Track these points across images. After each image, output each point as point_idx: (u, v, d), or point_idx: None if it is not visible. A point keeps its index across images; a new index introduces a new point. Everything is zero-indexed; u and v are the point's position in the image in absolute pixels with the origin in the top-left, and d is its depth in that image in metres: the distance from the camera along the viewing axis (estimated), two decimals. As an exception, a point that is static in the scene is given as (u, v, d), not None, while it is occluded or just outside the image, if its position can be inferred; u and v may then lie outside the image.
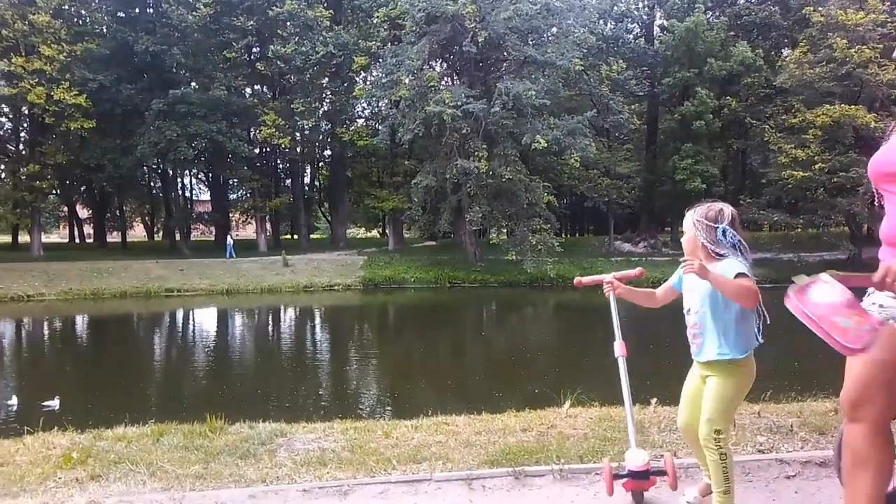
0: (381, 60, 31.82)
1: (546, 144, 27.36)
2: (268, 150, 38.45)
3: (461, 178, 27.89)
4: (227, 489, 3.10)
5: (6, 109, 33.92)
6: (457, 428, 4.16)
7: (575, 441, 3.72)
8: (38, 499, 3.01)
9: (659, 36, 37.69)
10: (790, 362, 12.60)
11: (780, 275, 28.83)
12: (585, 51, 30.52)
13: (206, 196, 49.11)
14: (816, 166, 27.22)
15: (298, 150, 38.07)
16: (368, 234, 56.10)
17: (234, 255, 32.50)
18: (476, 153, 27.62)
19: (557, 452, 3.50)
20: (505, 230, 30.97)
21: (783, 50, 35.49)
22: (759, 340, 2.65)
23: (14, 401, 9.36)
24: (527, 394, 7.63)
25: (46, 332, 20.27)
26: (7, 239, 45.66)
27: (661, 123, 36.81)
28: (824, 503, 2.93)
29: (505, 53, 29.62)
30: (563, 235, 37.99)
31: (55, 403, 8.86)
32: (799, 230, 31.05)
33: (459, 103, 27.08)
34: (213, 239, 45.39)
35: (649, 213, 36.92)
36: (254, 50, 36.05)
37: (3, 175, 37.17)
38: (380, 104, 34.99)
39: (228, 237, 35.22)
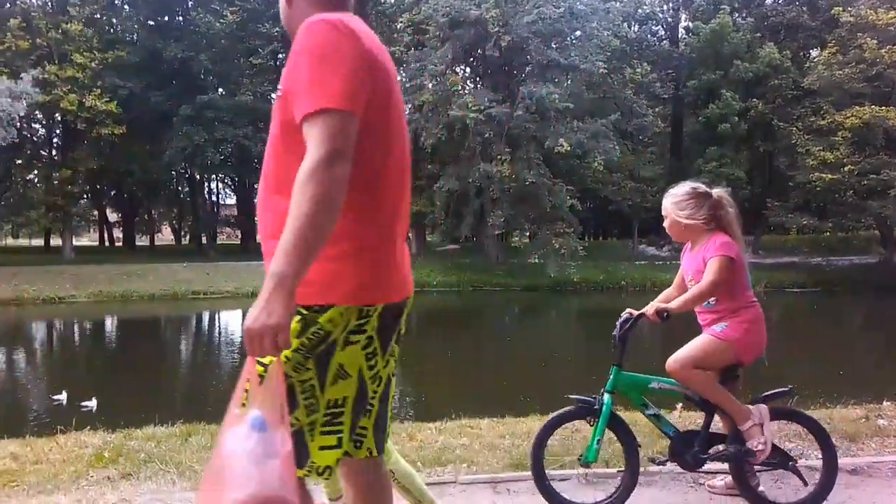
0: (404, 65, 31.97)
1: (569, 148, 27.22)
2: (293, 154, 38.85)
3: (484, 182, 27.88)
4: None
5: (40, 116, 34.73)
6: (481, 431, 4.18)
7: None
8: (71, 496, 3.08)
9: (684, 38, 37.30)
10: (817, 368, 12.38)
11: (809, 279, 28.40)
12: (609, 54, 30.31)
13: (231, 200, 49.78)
14: (846, 169, 26.69)
15: (322, 154, 38.36)
16: (391, 238, 56.19)
17: None
18: (499, 157, 27.59)
19: (582, 457, 3.49)
20: (528, 234, 30.88)
21: (811, 51, 34.85)
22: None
23: (63, 396, 9.60)
24: (550, 398, 7.58)
25: (78, 333, 20.71)
26: (40, 242, 46.76)
27: (686, 126, 36.38)
28: (855, 510, 2.91)
29: (528, 57, 29.54)
30: (586, 239, 37.69)
31: (93, 404, 9.06)
32: (828, 234, 30.46)
33: (482, 107, 27.08)
34: (238, 242, 45.96)
35: (674, 216, 36.48)
36: (279, 56, 36.43)
37: (36, 180, 38.07)
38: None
39: None
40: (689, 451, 2.82)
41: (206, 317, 23.85)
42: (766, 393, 2.93)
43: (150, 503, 2.98)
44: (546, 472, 2.90)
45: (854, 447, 3.70)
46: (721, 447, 2.86)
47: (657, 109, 36.61)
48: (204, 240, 39.47)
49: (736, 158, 31.44)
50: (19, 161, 36.19)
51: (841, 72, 27.43)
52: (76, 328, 21.31)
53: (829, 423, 4.07)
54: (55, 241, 41.03)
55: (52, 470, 3.50)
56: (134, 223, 45.06)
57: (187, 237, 50.89)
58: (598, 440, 2.84)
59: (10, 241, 54.13)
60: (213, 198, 46.46)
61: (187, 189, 42.81)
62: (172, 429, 4.35)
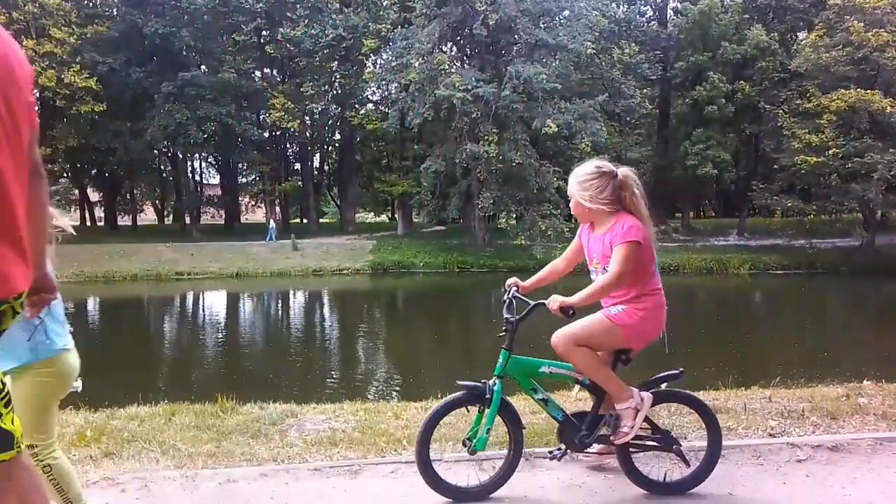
0: (391, 43, 31.64)
1: (557, 129, 27.16)
2: (277, 133, 38.43)
3: (471, 163, 27.77)
4: (240, 468, 3.13)
5: (18, 92, 33.98)
6: (466, 410, 4.16)
7: (584, 424, 3.71)
8: (52, 475, 3.03)
9: (672, 19, 37.18)
10: (800, 348, 12.55)
11: (792, 261, 28.71)
12: (597, 34, 30.16)
13: (215, 180, 49.25)
14: (830, 152, 26.86)
15: (308, 133, 38.04)
16: (377, 219, 56.05)
17: (275, 239, 31.88)
18: (486, 137, 27.47)
19: (567, 435, 3.49)
20: (514, 215, 30.86)
21: (799, 33, 34.90)
22: None
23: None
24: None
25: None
26: (20, 221, 45.87)
27: (674, 108, 36.41)
28: (836, 487, 2.93)
29: (516, 36, 29.32)
30: (572, 220, 37.74)
31: (78, 384, 8.93)
32: (812, 216, 30.66)
33: (469, 87, 26.89)
34: (223, 222, 45.57)
35: (660, 198, 36.47)
36: (263, 32, 35.90)
37: (15, 158, 37.25)
38: (389, 88, 34.82)
39: (271, 221, 35.27)
40: (576, 434, 2.77)
41: (189, 297, 23.66)
42: (657, 376, 2.86)
43: (134, 481, 2.95)
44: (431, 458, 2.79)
45: (835, 425, 3.73)
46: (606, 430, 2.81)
47: (645, 91, 36.56)
48: (187, 220, 39.04)
49: (722, 141, 31.56)
50: (-3, 138, 35.50)
51: (828, 54, 27.49)
52: (58, 308, 21.04)
53: (811, 402, 4.10)
54: (35, 220, 40.39)
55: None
56: (115, 203, 44.43)
57: (170, 217, 50.34)
58: (489, 429, 2.75)
59: (-12, 221, 53.16)
60: (197, 177, 45.93)
61: (170, 168, 42.26)
62: (156, 408, 4.30)
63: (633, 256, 2.62)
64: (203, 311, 21.78)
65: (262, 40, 36.02)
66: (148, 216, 55.25)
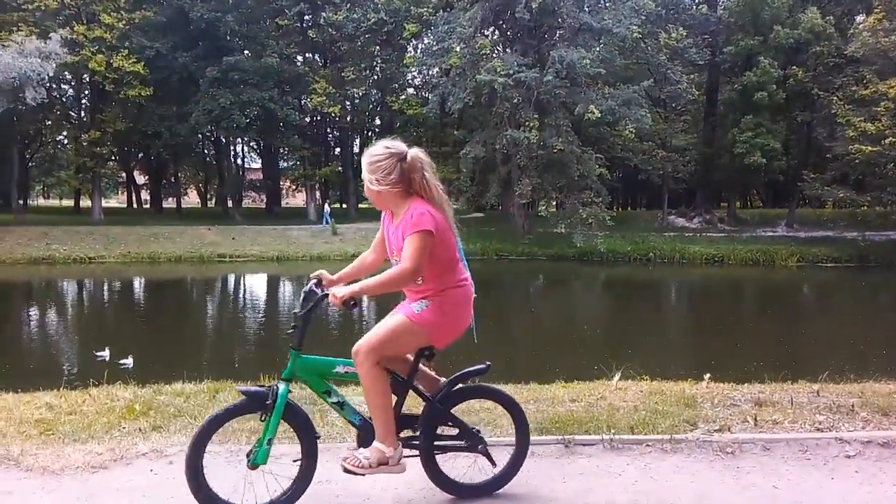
0: (432, 28, 31.48)
1: (600, 115, 26.70)
2: (318, 118, 38.76)
3: (511, 149, 27.56)
4: (283, 445, 3.14)
5: (69, 77, 35.02)
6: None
7: (625, 413, 3.67)
8: (104, 445, 3.15)
9: (722, 2, 35.99)
10: (850, 344, 12.14)
11: (843, 254, 27.76)
12: (643, 17, 29.39)
13: (257, 164, 50.07)
14: (887, 141, 25.77)
15: (348, 118, 38.26)
16: (416, 205, 56.15)
17: (329, 223, 31.80)
18: (527, 123, 27.20)
19: (608, 423, 3.46)
20: (554, 203, 30.55)
21: (856, 16, 33.45)
22: None
23: (106, 352, 9.82)
24: (575, 366, 7.55)
25: (108, 292, 21.16)
26: (69, 203, 47.69)
27: (721, 94, 35.35)
28: (886, 484, 2.84)
29: (559, 20, 28.84)
30: (614, 209, 37.23)
31: (129, 362, 9.32)
32: (865, 208, 29.54)
33: (511, 72, 26.61)
34: (264, 206, 46.36)
35: (705, 187, 35.76)
36: (306, 17, 36.14)
37: (66, 141, 38.56)
38: (430, 73, 34.72)
39: (326, 205, 35.66)
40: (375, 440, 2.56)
41: (231, 279, 24.15)
42: (463, 371, 2.73)
43: (181, 454, 3.00)
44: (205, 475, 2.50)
45: (886, 421, 3.60)
46: (409, 432, 2.65)
47: (692, 76, 35.59)
48: (230, 203, 39.84)
49: (772, 128, 30.54)
50: (49, 122, 36.67)
51: (887, 39, 26.29)
52: (106, 287, 21.74)
53: (861, 397, 3.97)
54: (84, 202, 41.78)
55: (85, 420, 3.58)
56: (161, 186, 45.61)
57: (213, 200, 51.44)
58: (270, 439, 2.50)
59: (40, 202, 55.28)
60: (239, 161, 46.77)
61: (213, 152, 43.13)
62: (200, 386, 4.42)
63: (424, 248, 2.41)
64: (245, 293, 22.22)
65: (304, 25, 36.29)
66: (191, 199, 56.60)
